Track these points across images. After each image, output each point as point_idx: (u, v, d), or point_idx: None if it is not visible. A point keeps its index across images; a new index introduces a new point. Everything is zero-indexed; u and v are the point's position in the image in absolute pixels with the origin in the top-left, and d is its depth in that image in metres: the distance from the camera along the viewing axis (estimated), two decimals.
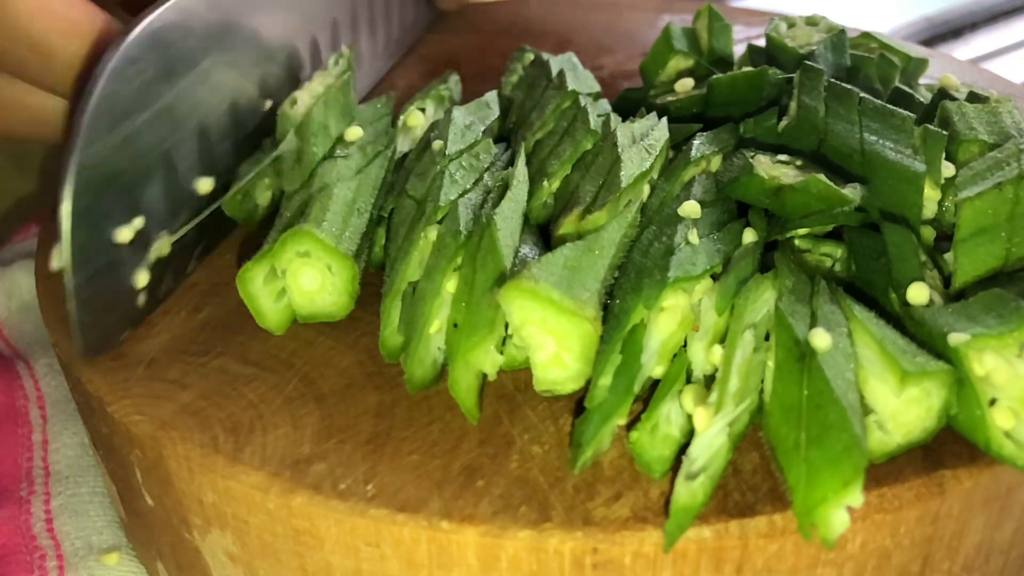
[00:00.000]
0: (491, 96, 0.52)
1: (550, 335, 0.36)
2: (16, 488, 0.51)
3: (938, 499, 0.35)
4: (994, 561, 0.39)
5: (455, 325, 0.38)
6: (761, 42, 0.55)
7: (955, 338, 0.35)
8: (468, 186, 0.43)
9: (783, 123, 0.45)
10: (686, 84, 0.51)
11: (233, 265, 0.48)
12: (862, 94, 0.45)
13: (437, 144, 0.47)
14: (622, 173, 0.41)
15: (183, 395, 0.40)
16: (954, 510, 0.36)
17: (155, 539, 0.43)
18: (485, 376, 0.39)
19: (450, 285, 0.40)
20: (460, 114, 0.49)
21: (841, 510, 0.32)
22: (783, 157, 0.43)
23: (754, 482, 0.35)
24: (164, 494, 0.40)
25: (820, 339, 0.35)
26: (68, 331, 0.41)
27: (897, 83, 0.51)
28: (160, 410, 0.39)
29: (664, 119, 0.46)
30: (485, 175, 0.45)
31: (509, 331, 0.39)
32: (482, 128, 0.48)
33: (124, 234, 0.41)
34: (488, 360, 0.38)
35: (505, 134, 0.51)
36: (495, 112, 0.50)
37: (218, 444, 0.38)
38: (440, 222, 0.42)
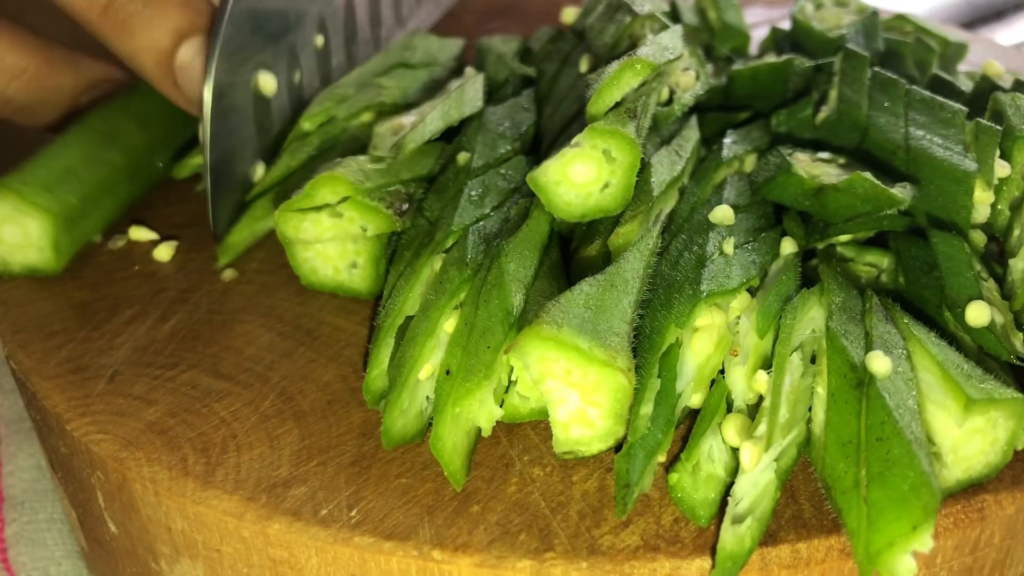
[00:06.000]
0: (527, 95, 0.48)
1: (574, 389, 0.33)
2: None
3: (978, 526, 0.34)
4: None
5: (447, 372, 0.35)
6: (785, 24, 0.53)
7: None
8: (488, 210, 0.40)
9: (821, 114, 0.43)
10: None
11: (205, 269, 0.46)
12: (908, 84, 0.43)
13: (463, 157, 0.43)
14: (652, 180, 0.39)
15: (149, 412, 0.39)
16: (995, 538, 0.35)
17: (119, 570, 0.43)
18: (479, 433, 0.36)
19: (448, 325, 0.36)
20: (493, 116, 0.45)
21: (908, 556, 0.30)
22: (823, 155, 0.41)
23: (776, 508, 0.34)
24: (128, 521, 0.39)
25: (879, 363, 0.33)
26: (23, 342, 0.41)
27: (935, 70, 0.49)
28: (124, 428, 0.39)
29: (694, 116, 0.44)
30: (508, 200, 0.41)
31: (513, 377, 0.36)
32: (517, 134, 0.44)
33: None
34: (484, 412, 0.35)
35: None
36: (531, 116, 0.46)
37: (187, 466, 0.37)
38: (449, 250, 0.39)
